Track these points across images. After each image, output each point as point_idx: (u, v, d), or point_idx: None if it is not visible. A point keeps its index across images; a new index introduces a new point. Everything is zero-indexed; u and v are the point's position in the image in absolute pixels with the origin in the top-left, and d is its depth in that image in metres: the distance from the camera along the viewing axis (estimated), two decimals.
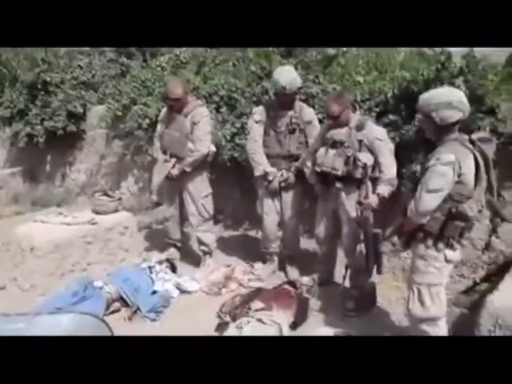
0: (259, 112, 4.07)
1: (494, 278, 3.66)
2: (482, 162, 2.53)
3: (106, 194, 4.71)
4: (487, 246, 4.01)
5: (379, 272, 3.34)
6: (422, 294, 2.72)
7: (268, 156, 4.03)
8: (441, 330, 2.77)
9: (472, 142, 2.57)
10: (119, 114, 5.98)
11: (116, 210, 4.66)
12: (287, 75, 3.79)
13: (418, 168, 2.69)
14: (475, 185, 2.56)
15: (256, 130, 4.04)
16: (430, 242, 2.65)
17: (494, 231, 3.99)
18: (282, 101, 3.93)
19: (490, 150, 2.57)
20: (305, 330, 3.37)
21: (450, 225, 2.58)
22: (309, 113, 4.01)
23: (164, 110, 4.44)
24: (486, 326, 2.65)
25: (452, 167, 2.49)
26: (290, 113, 3.94)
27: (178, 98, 4.08)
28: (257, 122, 4.03)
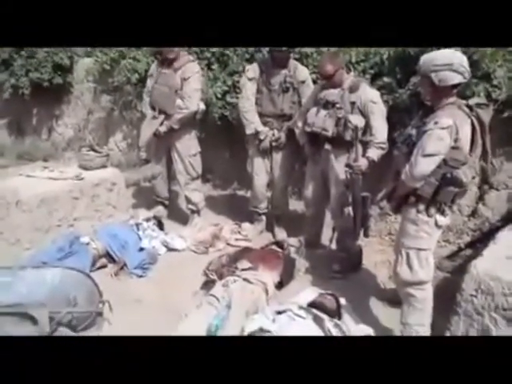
0: (253, 69, 3.98)
1: (478, 244, 3.71)
2: (478, 128, 2.51)
3: (93, 150, 4.64)
4: (474, 213, 4.03)
5: (366, 235, 3.34)
6: (411, 258, 2.73)
7: (260, 115, 3.97)
8: (426, 293, 2.80)
9: (469, 107, 2.54)
10: (107, 67, 5.82)
11: (103, 166, 4.60)
12: None
13: (413, 132, 2.65)
14: (470, 151, 2.54)
15: (249, 88, 3.96)
16: (421, 207, 2.64)
17: (481, 198, 4.01)
18: (277, 58, 3.83)
19: (487, 115, 2.55)
20: (290, 291, 3.40)
21: (443, 190, 2.56)
22: (303, 72, 3.93)
23: (154, 64, 4.32)
24: (468, 291, 2.67)
25: (449, 131, 2.45)
26: (284, 71, 3.86)
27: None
28: (250, 80, 3.95)
